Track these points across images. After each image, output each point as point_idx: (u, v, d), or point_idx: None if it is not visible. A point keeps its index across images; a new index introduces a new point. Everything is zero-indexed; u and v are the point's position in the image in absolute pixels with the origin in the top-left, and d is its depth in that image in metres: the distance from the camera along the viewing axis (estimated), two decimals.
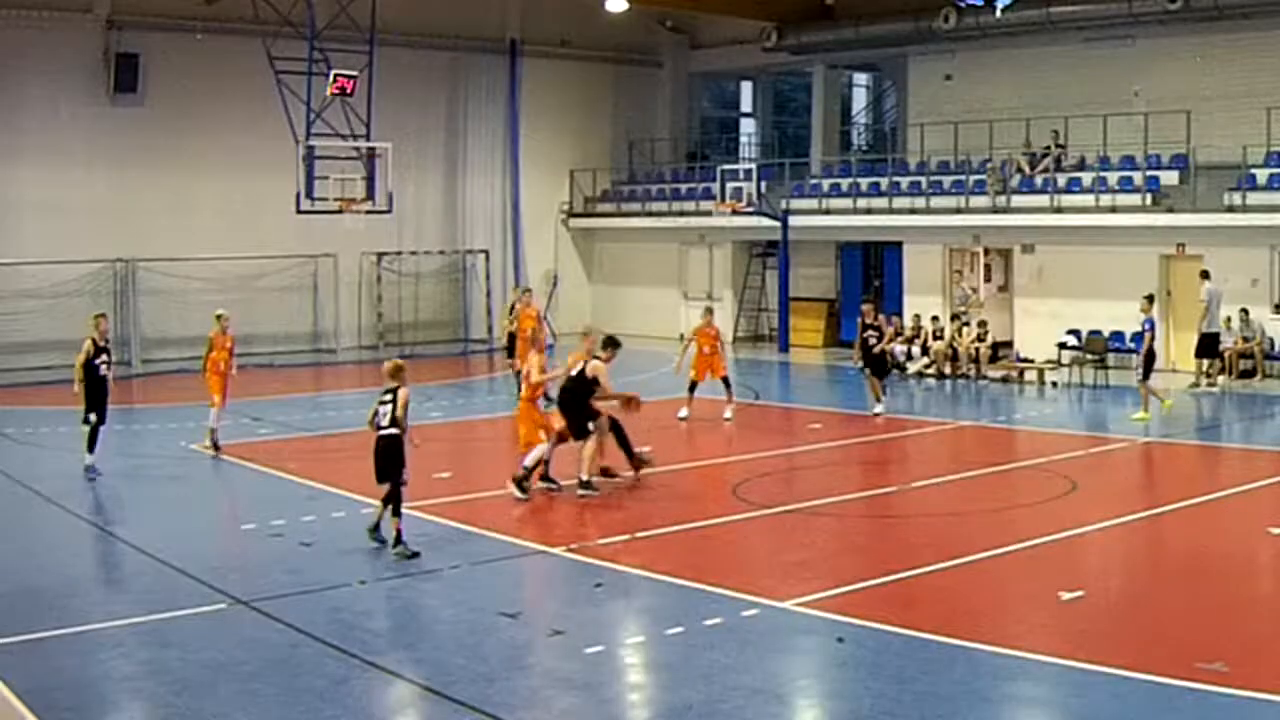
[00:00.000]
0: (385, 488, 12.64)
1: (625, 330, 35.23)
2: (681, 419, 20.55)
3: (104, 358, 16.56)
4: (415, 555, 12.33)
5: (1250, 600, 11.07)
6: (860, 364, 21.83)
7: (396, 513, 12.54)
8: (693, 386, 21.09)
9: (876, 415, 20.96)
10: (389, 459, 12.58)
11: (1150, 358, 20.46)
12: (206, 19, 29.62)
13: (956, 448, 19.61)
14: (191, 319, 29.23)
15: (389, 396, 12.69)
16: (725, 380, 21.13)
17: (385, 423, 12.61)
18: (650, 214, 35.40)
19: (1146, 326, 20.40)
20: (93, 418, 16.29)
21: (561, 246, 37.13)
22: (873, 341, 21.42)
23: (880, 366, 21.72)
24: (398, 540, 12.45)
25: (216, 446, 17.89)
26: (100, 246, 28.62)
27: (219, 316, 18.41)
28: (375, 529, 12.77)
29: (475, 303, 34.77)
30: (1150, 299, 20.71)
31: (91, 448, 16.35)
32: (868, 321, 21.59)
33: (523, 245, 35.77)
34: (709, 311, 22.46)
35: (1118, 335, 25.86)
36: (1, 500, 15.69)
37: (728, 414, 20.78)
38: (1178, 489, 15.76)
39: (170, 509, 15.00)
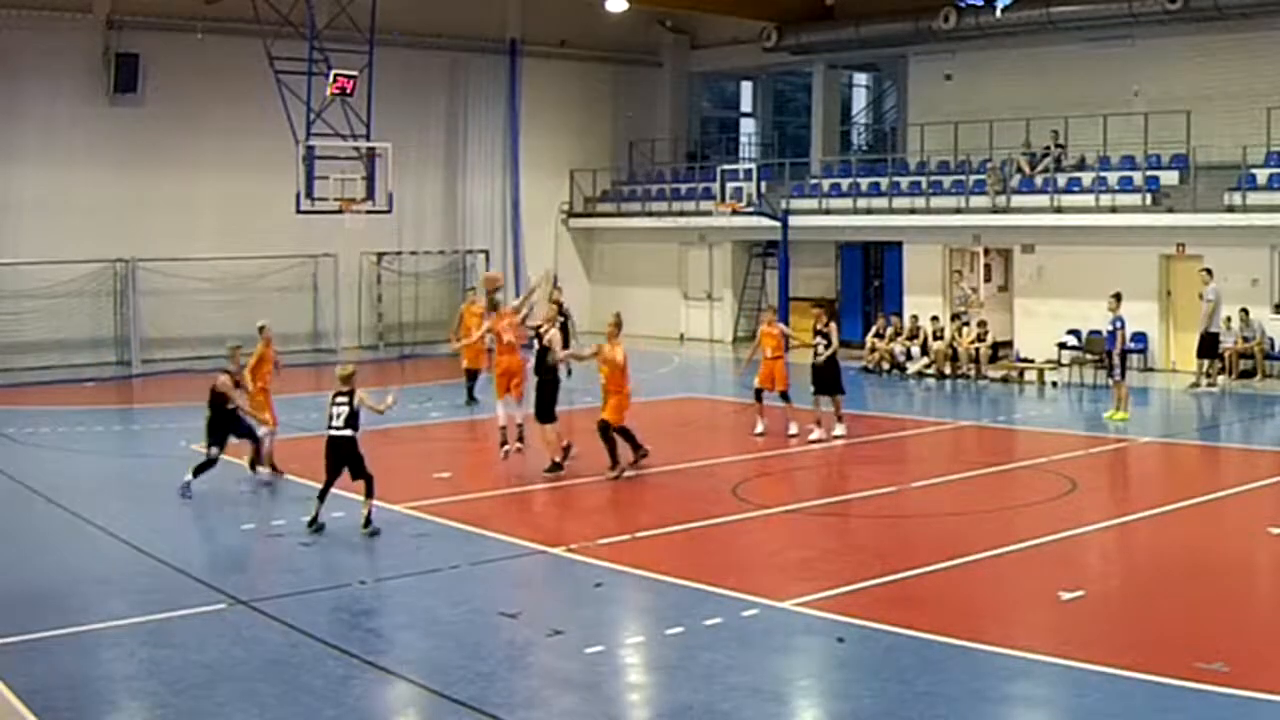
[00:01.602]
0: (325, 482, 13.42)
1: (626, 330, 35.28)
2: (758, 434, 18.93)
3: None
4: (378, 532, 13.22)
5: (1250, 600, 11.08)
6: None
7: (370, 494, 13.31)
8: (758, 394, 19.16)
9: (818, 441, 18.45)
10: (346, 458, 13.22)
11: (1124, 356, 20.52)
12: (206, 19, 29.61)
13: (956, 448, 19.61)
14: (192, 319, 29.30)
15: (343, 399, 13.22)
16: (784, 395, 18.93)
17: (340, 424, 13.19)
18: (650, 214, 35.39)
19: (1118, 325, 20.44)
20: (214, 451, 15.29)
21: (561, 246, 37.12)
22: (820, 350, 18.85)
23: (830, 381, 18.83)
24: (368, 521, 13.25)
25: (274, 467, 16.48)
26: (100, 246, 28.60)
27: (262, 328, 16.74)
28: (315, 520, 13.33)
29: None
30: (1118, 297, 20.72)
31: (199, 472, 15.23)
32: (818, 327, 19.08)
33: (523, 245, 35.77)
34: (770, 309, 20.81)
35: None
36: (2, 500, 15.69)
37: (793, 429, 18.83)
38: (1178, 489, 15.75)
39: (170, 509, 14.99)
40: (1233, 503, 14.76)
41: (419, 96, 33.29)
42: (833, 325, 19.39)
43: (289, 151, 26.36)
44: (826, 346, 18.88)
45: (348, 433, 13.20)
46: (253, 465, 16.12)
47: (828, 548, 13.12)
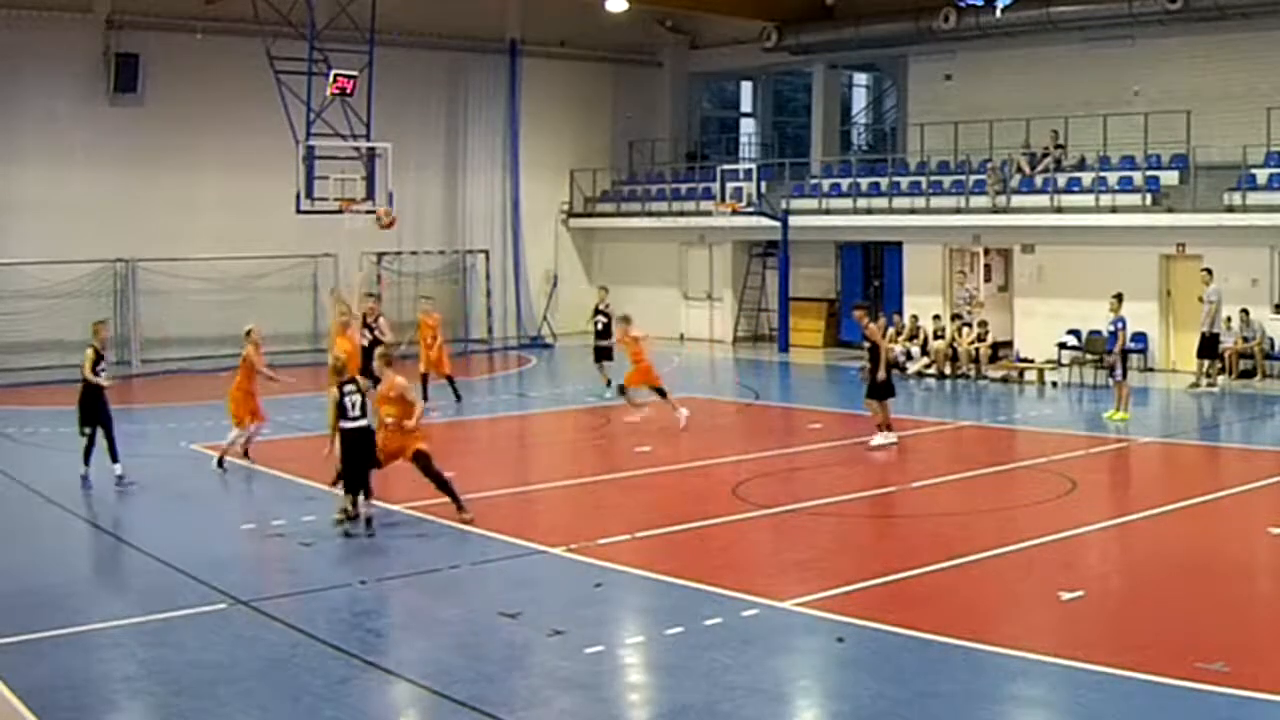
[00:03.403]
0: (343, 481, 13.31)
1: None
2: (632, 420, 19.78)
3: (102, 365, 15.97)
4: (373, 535, 13.19)
5: (1250, 600, 11.07)
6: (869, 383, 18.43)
7: (368, 496, 13.28)
8: (621, 390, 20.68)
9: (891, 445, 18.25)
10: (367, 448, 13.14)
11: (1125, 356, 20.54)
12: (206, 19, 29.60)
13: (956, 448, 19.60)
14: (191, 319, 29.31)
15: (352, 387, 13.19)
16: (660, 391, 20.19)
17: (356, 413, 13.11)
18: (650, 214, 35.37)
19: (1119, 326, 20.46)
20: (89, 429, 15.77)
21: (561, 246, 37.12)
22: (869, 366, 18.56)
23: (882, 387, 18.47)
24: (368, 522, 13.23)
25: (246, 454, 17.08)
26: (100, 246, 28.59)
27: (249, 332, 17.04)
28: (343, 520, 13.25)
29: (475, 303, 34.75)
30: (1119, 298, 20.74)
31: (87, 459, 15.76)
32: (864, 333, 18.72)
33: (523, 245, 35.78)
34: (624, 319, 21.07)
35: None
36: (1, 500, 15.68)
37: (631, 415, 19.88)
38: (1178, 489, 15.73)
39: (170, 509, 14.99)
40: (1233, 503, 14.75)
41: (419, 96, 33.28)
42: (872, 328, 18.71)
43: (289, 151, 26.35)
44: (874, 357, 18.27)
45: (363, 422, 13.13)
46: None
47: (828, 548, 13.11)
